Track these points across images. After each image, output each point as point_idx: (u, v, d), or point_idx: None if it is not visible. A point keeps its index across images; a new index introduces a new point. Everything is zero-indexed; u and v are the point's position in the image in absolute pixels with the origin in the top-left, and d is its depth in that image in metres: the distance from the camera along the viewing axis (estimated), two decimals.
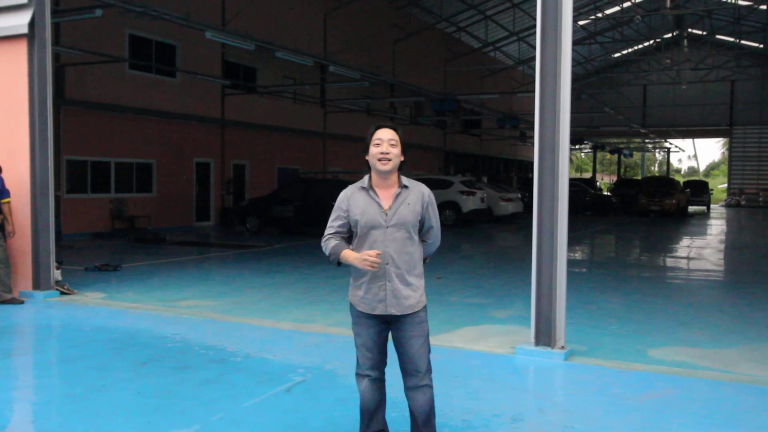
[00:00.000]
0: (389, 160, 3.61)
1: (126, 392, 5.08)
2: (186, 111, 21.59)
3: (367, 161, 3.70)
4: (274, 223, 19.42)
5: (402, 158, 3.69)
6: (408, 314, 3.66)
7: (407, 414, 3.93)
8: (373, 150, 3.64)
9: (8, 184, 8.77)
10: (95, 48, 17.64)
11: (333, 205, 3.78)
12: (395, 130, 3.69)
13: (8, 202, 8.68)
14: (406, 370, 3.72)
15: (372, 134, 3.68)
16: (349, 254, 3.61)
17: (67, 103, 17.68)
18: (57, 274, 9.18)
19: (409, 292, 3.65)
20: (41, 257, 9.02)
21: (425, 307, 3.75)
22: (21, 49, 9.06)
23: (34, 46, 9.00)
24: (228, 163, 23.80)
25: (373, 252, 3.52)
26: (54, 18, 12.13)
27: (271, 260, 13.42)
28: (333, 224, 3.73)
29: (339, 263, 3.69)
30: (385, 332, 3.75)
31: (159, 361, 5.96)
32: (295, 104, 27.58)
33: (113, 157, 19.60)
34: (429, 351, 3.75)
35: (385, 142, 3.62)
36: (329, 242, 3.70)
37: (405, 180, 3.72)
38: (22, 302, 8.52)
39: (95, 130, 18.84)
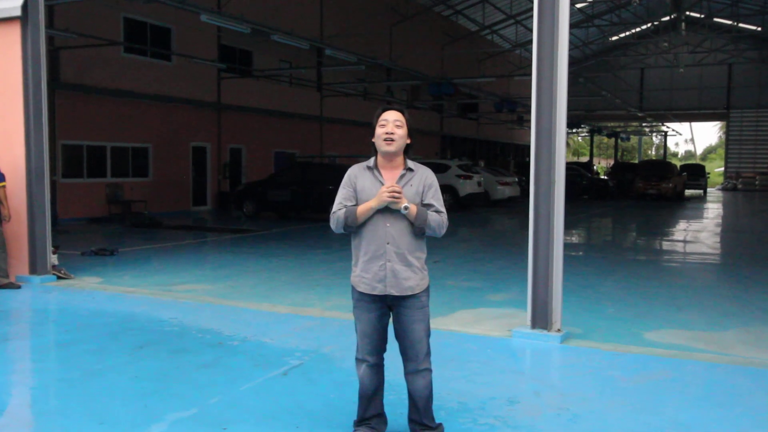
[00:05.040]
0: (393, 140, 3.62)
1: (123, 376, 5.10)
2: (182, 95, 21.48)
3: (373, 144, 3.71)
4: (271, 207, 19.39)
5: (408, 141, 3.70)
6: (408, 297, 3.65)
7: (404, 397, 3.95)
8: (379, 131, 3.65)
9: (3, 169, 8.74)
10: (90, 31, 17.50)
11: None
12: (402, 112, 3.69)
13: (3, 187, 8.65)
14: (407, 355, 3.73)
15: (378, 116, 3.70)
16: (364, 205, 3.61)
17: (61, 87, 17.58)
18: (54, 259, 9.18)
19: (410, 274, 3.64)
20: (37, 242, 9.01)
21: (427, 290, 3.74)
22: (14, 32, 8.98)
23: (28, 29, 8.93)
24: (224, 148, 23.73)
25: (386, 185, 3.55)
26: (47, 0, 12.04)
27: (268, 244, 13.42)
28: (341, 200, 3.70)
29: (357, 227, 3.65)
30: (386, 317, 3.75)
31: (156, 344, 5.97)
32: (291, 88, 27.46)
33: (109, 142, 19.52)
34: (429, 335, 3.75)
35: (390, 123, 3.63)
36: (339, 213, 3.67)
37: (411, 163, 3.73)
38: (19, 287, 8.52)
39: (90, 114, 18.75)
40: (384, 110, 3.71)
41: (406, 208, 3.55)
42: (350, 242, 3.81)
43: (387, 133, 3.62)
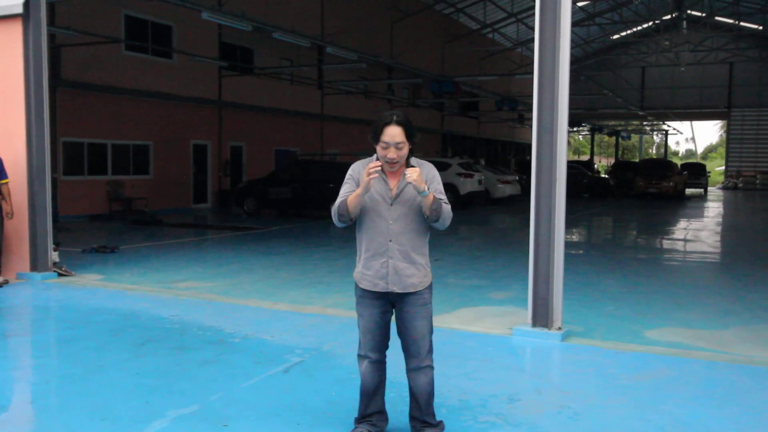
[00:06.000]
0: (396, 163, 3.60)
1: (124, 373, 5.10)
2: (183, 92, 21.48)
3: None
4: (272, 205, 19.41)
5: (410, 146, 3.63)
6: (411, 294, 3.65)
7: (405, 394, 3.96)
8: (380, 152, 3.60)
9: (4, 166, 8.74)
10: (91, 29, 17.50)
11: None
12: (402, 125, 3.56)
13: (7, 183, 8.66)
14: (409, 352, 3.73)
15: (380, 132, 3.56)
16: (353, 194, 3.58)
17: (62, 85, 17.58)
18: (54, 256, 9.18)
19: (413, 271, 3.64)
20: (38, 239, 9.01)
21: (430, 287, 3.74)
22: (16, 30, 8.99)
23: (29, 27, 8.93)
24: (225, 145, 23.73)
25: (368, 165, 3.50)
26: None
27: (269, 242, 13.43)
28: (344, 193, 3.67)
29: (352, 219, 3.63)
30: (389, 313, 3.75)
31: (157, 342, 5.98)
32: (292, 86, 27.44)
33: (110, 139, 19.52)
34: (432, 332, 3.76)
35: (392, 148, 3.56)
36: (336, 203, 3.65)
37: (414, 161, 3.69)
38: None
39: (92, 111, 18.75)
40: (385, 126, 3.56)
41: (426, 191, 3.51)
42: (354, 239, 3.82)
43: (389, 158, 3.57)
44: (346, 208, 3.60)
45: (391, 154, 3.56)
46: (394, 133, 3.55)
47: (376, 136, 3.59)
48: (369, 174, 3.47)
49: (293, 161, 23.88)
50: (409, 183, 3.61)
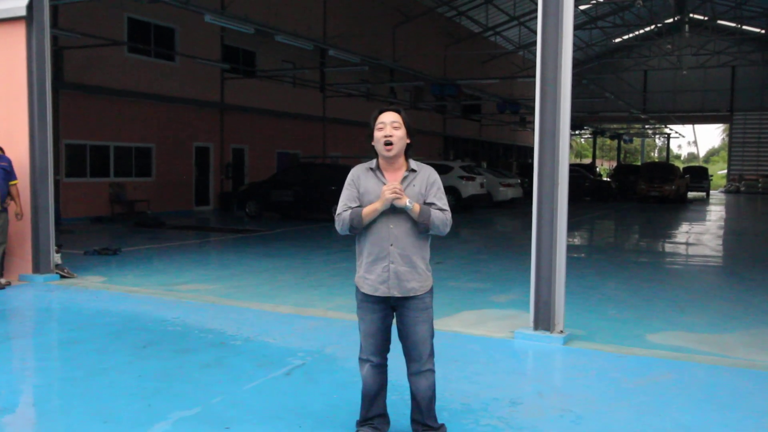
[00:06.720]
0: (392, 143, 3.58)
1: (127, 375, 5.11)
2: (185, 95, 21.51)
3: (374, 146, 3.68)
4: (274, 207, 19.40)
5: (408, 141, 3.65)
6: (412, 298, 3.64)
7: (407, 397, 3.95)
8: (377, 134, 3.62)
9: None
10: (93, 31, 17.55)
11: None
12: (398, 112, 3.65)
13: (16, 184, 8.68)
14: (410, 356, 3.73)
15: (375, 118, 3.65)
16: (370, 206, 3.58)
17: (65, 87, 17.60)
18: (57, 258, 9.20)
19: (414, 275, 3.63)
20: (41, 241, 9.03)
21: (431, 291, 3.72)
22: (19, 32, 9.01)
23: (33, 29, 8.96)
24: (227, 148, 23.75)
25: (387, 185, 3.52)
26: (52, 0, 12.05)
27: (271, 245, 13.44)
28: (345, 202, 3.66)
29: (362, 228, 3.63)
30: (390, 317, 3.74)
31: (159, 344, 5.98)
32: (294, 89, 27.48)
33: (112, 141, 19.55)
34: (433, 336, 3.75)
35: (388, 125, 3.59)
36: (344, 215, 3.63)
37: (414, 164, 3.69)
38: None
39: (94, 113, 18.78)
40: (380, 112, 3.67)
41: (410, 202, 3.53)
42: (354, 243, 3.81)
43: (386, 136, 3.58)
44: (362, 222, 3.59)
45: (388, 130, 3.58)
46: (389, 114, 3.63)
47: (373, 124, 3.65)
48: (391, 193, 3.48)
49: (295, 164, 23.89)
50: (410, 186, 3.61)
